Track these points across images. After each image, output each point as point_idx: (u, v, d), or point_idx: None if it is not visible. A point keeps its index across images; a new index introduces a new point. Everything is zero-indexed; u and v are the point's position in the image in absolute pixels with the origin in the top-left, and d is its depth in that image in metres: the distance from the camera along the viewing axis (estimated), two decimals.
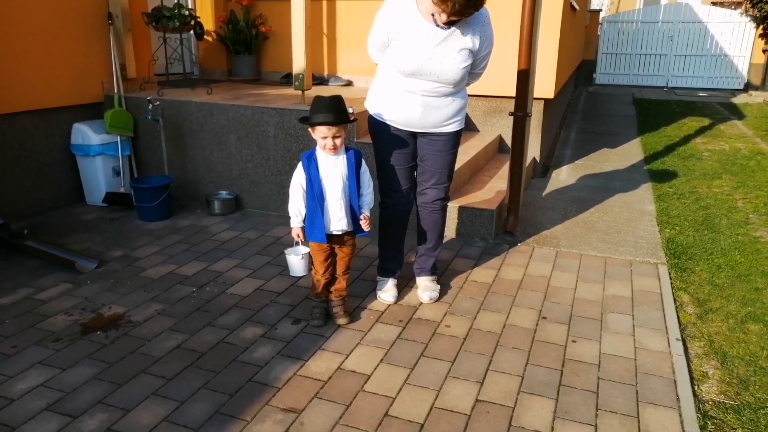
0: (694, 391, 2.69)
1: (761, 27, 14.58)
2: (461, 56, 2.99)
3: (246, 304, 3.41)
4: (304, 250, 3.72)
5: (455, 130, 3.25)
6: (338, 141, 2.94)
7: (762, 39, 14.74)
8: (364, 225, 3.10)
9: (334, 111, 2.88)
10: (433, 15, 2.91)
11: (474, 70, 3.15)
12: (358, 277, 3.76)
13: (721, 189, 5.86)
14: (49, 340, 3.00)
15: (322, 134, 2.91)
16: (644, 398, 2.62)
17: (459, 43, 2.97)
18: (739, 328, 3.26)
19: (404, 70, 3.01)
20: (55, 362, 2.80)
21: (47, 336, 3.03)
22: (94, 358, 2.84)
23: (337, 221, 3.03)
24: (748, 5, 14.86)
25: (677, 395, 2.64)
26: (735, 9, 15.44)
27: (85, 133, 4.90)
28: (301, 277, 3.71)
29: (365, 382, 2.70)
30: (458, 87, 3.13)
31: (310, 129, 2.98)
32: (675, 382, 2.74)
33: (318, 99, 2.92)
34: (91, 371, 2.73)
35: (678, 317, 3.35)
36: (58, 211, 4.96)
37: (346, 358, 2.89)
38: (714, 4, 17.71)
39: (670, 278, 3.85)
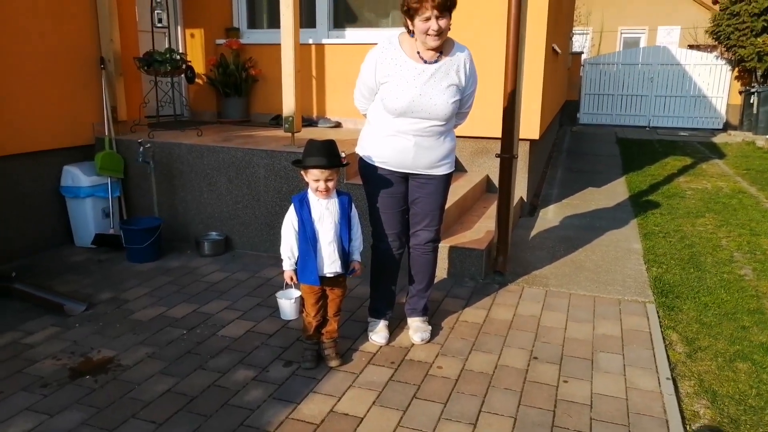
0: (686, 431, 2.70)
1: (736, 69, 15.03)
2: (450, 91, 3.08)
3: (237, 346, 3.39)
4: (295, 293, 3.72)
5: (447, 172, 3.31)
6: (330, 184, 2.98)
7: (738, 81, 15.18)
8: (357, 272, 3.15)
9: (327, 155, 2.93)
10: (418, 53, 3.02)
11: (461, 109, 3.24)
12: (349, 318, 3.76)
13: (705, 227, 5.96)
14: (36, 385, 2.95)
15: (314, 177, 2.95)
16: None
17: (446, 80, 3.08)
18: (728, 366, 3.29)
19: (395, 109, 3.08)
20: (42, 408, 2.76)
21: (35, 381, 2.99)
22: (83, 403, 2.81)
23: (331, 264, 3.05)
24: (723, 49, 15.34)
25: None
26: (711, 52, 15.93)
27: (76, 175, 4.91)
28: (291, 320, 3.71)
29: (358, 425, 2.68)
30: (448, 125, 3.21)
31: (302, 172, 3.02)
32: (667, 422, 2.75)
33: (311, 142, 2.97)
34: (80, 417, 2.69)
35: (668, 356, 3.38)
36: (46, 252, 4.93)
37: (339, 400, 2.88)
38: (690, 47, 18.24)
39: (659, 317, 3.89)
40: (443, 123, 3.15)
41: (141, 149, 4.92)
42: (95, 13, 5.12)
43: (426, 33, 2.93)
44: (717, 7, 16.03)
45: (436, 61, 3.07)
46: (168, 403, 2.82)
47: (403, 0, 2.96)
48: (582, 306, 4.04)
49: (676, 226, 5.98)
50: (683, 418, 2.80)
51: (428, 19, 2.89)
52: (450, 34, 3.07)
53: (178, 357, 3.26)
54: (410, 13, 2.95)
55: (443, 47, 3.07)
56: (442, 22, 2.92)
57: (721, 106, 15.33)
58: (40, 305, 3.84)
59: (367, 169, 3.31)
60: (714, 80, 15.33)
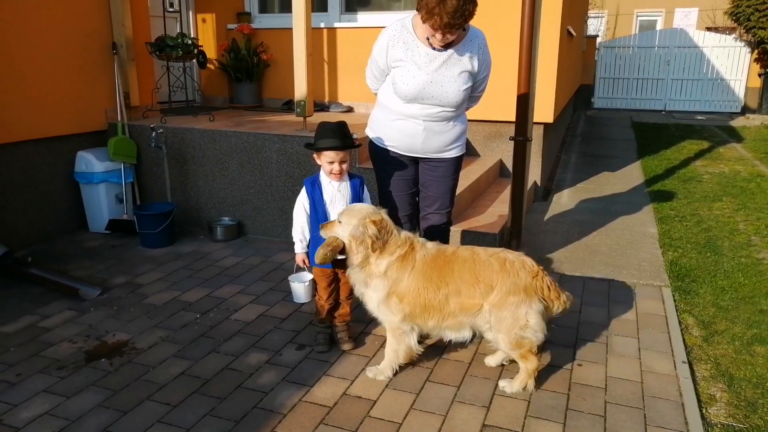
0: (702, 414, 2.67)
1: (756, 52, 14.76)
2: (462, 78, 3.02)
3: (250, 330, 3.41)
4: (307, 276, 3.73)
5: (457, 155, 3.27)
6: (344, 166, 2.96)
7: (757, 63, 14.91)
8: None
9: (341, 136, 2.91)
10: (428, 39, 2.95)
11: (473, 93, 3.19)
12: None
13: (722, 211, 5.88)
14: (53, 367, 2.99)
15: (328, 159, 2.93)
16: (652, 422, 2.60)
17: (458, 66, 3.01)
18: (745, 350, 3.25)
19: (406, 94, 3.04)
20: (59, 390, 2.79)
21: (51, 364, 3.02)
22: (99, 385, 2.83)
23: None
24: (742, 30, 15.06)
25: (685, 419, 2.62)
26: (729, 34, 15.65)
27: (89, 161, 4.93)
28: (304, 304, 3.71)
29: (371, 408, 2.68)
30: (459, 111, 3.16)
31: (315, 155, 3.01)
32: (683, 405, 2.72)
33: (323, 125, 2.95)
34: (96, 399, 2.72)
35: (683, 340, 3.34)
36: (61, 238, 4.97)
37: (352, 383, 2.88)
38: (708, 29, 17.95)
39: (675, 301, 3.85)
40: (454, 109, 3.10)
41: (153, 134, 4.93)
42: None
43: (433, 36, 2.87)
44: None
45: (447, 49, 3.01)
46: (182, 385, 2.84)
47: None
48: (596, 290, 4.00)
49: (692, 210, 5.90)
50: (699, 401, 2.77)
51: (436, 30, 2.81)
52: None
53: (191, 340, 3.28)
54: (423, 12, 2.80)
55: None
56: (450, 36, 2.85)
57: (739, 89, 15.08)
58: (56, 290, 3.88)
59: (377, 152, 3.29)
60: (732, 63, 15.08)
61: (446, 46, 2.97)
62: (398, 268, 2.77)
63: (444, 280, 2.75)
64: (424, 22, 2.81)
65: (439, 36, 2.83)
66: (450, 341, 2.97)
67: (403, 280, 2.77)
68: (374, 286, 2.82)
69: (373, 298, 2.85)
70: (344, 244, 2.80)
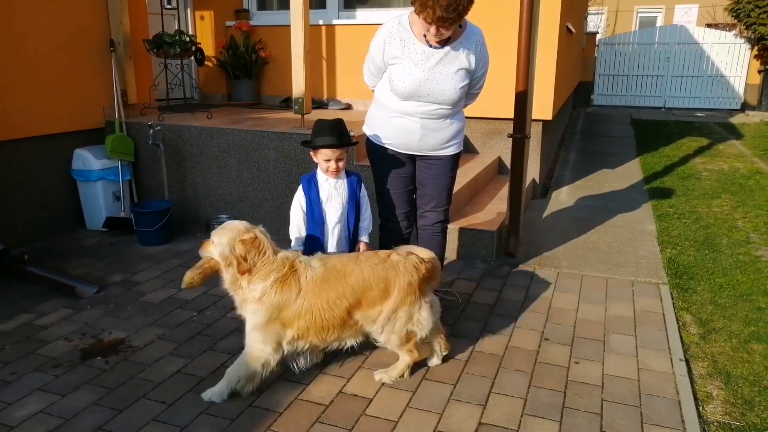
0: (698, 412, 2.67)
1: (756, 48, 14.73)
2: (458, 76, 3.01)
3: None
4: None
5: (454, 153, 3.26)
6: (341, 164, 2.95)
7: (757, 60, 14.89)
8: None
9: (337, 134, 2.90)
10: (425, 36, 2.93)
11: (471, 90, 3.17)
12: None
13: (721, 208, 5.87)
14: (48, 365, 2.98)
15: (325, 157, 2.92)
16: (648, 420, 2.59)
17: (455, 64, 3.00)
18: (742, 347, 3.24)
19: (402, 92, 3.03)
20: (54, 388, 2.78)
21: (47, 362, 3.01)
22: (94, 383, 2.82)
23: (337, 244, 3.03)
24: (742, 27, 15.04)
25: (682, 416, 2.62)
26: (729, 31, 15.62)
27: (86, 159, 4.92)
28: None
29: (367, 406, 2.68)
30: (456, 108, 3.15)
31: (312, 152, 3.00)
32: (679, 403, 2.72)
33: (320, 122, 2.94)
34: (91, 397, 2.71)
35: (681, 337, 3.34)
36: (58, 236, 4.96)
37: (348, 381, 2.87)
38: (708, 26, 17.92)
39: (672, 298, 3.84)
40: (450, 107, 3.09)
41: (151, 132, 4.91)
42: None
43: (428, 31, 2.85)
44: None
45: (444, 46, 2.99)
46: (178, 384, 2.83)
47: None
48: (594, 287, 4.00)
49: (691, 207, 5.89)
50: (696, 399, 2.77)
51: (431, 25, 2.79)
52: None
53: (188, 338, 3.27)
54: (417, 5, 2.78)
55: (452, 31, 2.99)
56: (445, 31, 2.82)
57: (739, 86, 15.05)
58: (53, 287, 3.87)
59: (374, 149, 3.28)
60: (732, 59, 15.05)
61: (443, 44, 2.95)
62: (279, 292, 2.59)
63: (342, 295, 2.66)
64: (417, 14, 2.78)
65: (433, 30, 2.80)
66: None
67: (290, 306, 2.61)
68: (250, 310, 2.65)
69: (248, 322, 2.68)
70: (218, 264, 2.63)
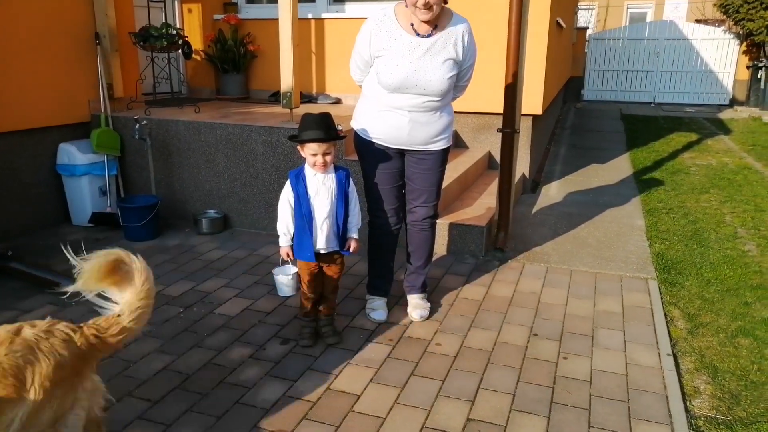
0: (686, 407, 2.67)
1: (744, 44, 14.81)
2: (446, 66, 2.99)
3: (234, 324, 3.37)
4: (292, 269, 3.69)
5: (443, 147, 3.24)
6: (328, 158, 2.92)
7: (746, 55, 14.97)
8: (352, 249, 3.10)
9: (324, 128, 2.87)
10: (412, 24, 2.92)
11: (459, 82, 3.16)
12: (347, 295, 3.73)
13: (709, 203, 5.89)
14: None
15: (311, 151, 2.89)
16: (636, 414, 2.59)
17: (442, 54, 2.99)
18: (729, 342, 3.25)
19: (390, 84, 3.01)
20: None
21: None
22: None
23: (326, 240, 3.01)
24: (731, 23, 15.10)
25: (669, 411, 2.62)
26: (718, 26, 15.69)
27: (72, 153, 4.86)
28: (289, 297, 3.68)
29: (355, 403, 2.66)
30: (445, 100, 3.13)
31: (299, 147, 2.97)
32: (667, 397, 2.72)
33: (307, 116, 2.91)
34: None
35: (669, 332, 3.34)
36: (43, 231, 4.90)
37: (336, 378, 2.85)
38: (698, 21, 17.99)
39: (660, 293, 3.85)
40: (439, 98, 3.07)
41: (137, 126, 4.86)
42: None
43: (415, 5, 2.85)
44: None
45: (431, 35, 2.98)
46: (164, 381, 2.80)
47: None
48: (583, 282, 4.00)
49: (679, 202, 5.91)
50: (683, 393, 2.77)
51: None
52: (449, 4, 2.99)
53: (174, 335, 3.24)
54: None
55: (440, 19, 2.98)
56: (432, 3, 2.83)
57: (727, 82, 15.13)
58: (36, 284, 3.82)
59: (362, 143, 3.25)
60: (721, 55, 15.12)
61: (431, 33, 2.94)
62: None
63: None
64: None
65: (421, 3, 2.80)
66: None
67: None
68: None
69: None
70: None
